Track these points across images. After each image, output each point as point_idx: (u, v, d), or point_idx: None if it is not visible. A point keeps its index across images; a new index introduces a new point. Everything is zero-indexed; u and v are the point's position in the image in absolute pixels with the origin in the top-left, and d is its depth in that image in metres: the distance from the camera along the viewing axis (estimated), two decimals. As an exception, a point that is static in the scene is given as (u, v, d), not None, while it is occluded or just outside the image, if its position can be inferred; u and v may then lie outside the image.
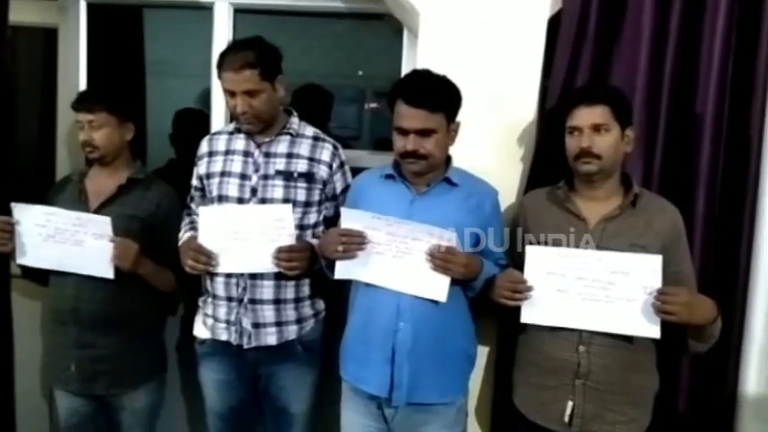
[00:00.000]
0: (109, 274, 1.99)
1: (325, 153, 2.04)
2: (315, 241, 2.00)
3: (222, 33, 2.56)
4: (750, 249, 1.97)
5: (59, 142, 2.68)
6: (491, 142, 2.12)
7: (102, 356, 2.08)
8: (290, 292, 2.01)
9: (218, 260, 1.94)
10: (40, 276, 2.15)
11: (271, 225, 1.89)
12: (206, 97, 2.64)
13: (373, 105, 2.81)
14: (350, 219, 1.81)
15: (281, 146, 2.03)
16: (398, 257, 1.77)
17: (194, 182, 2.15)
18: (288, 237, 1.90)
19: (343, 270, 1.83)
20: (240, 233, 1.91)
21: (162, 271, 2.09)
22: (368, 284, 1.83)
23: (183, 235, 2.07)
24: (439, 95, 1.77)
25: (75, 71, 2.66)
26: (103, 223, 1.97)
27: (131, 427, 2.19)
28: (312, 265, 1.97)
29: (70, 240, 2.00)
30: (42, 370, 2.58)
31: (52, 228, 2.00)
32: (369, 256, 1.80)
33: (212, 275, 2.01)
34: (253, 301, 1.98)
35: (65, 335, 2.08)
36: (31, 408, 2.61)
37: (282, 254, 1.89)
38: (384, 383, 1.81)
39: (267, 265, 1.92)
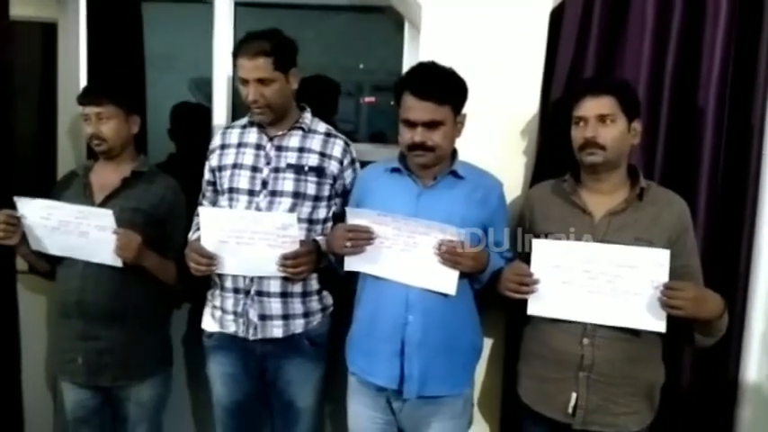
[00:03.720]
0: (117, 262, 2.00)
1: (337, 149, 2.05)
2: (321, 238, 2.01)
3: (222, 27, 2.55)
4: (751, 241, 2.00)
5: (60, 137, 2.67)
6: (495, 135, 2.13)
7: (108, 349, 2.08)
8: (297, 286, 2.01)
9: (220, 262, 1.94)
10: (47, 271, 2.18)
11: (274, 233, 1.88)
12: (207, 92, 2.64)
13: (369, 99, 2.81)
14: (356, 217, 1.82)
15: (293, 140, 2.04)
16: (407, 251, 1.78)
17: (207, 176, 2.15)
18: (292, 245, 1.89)
19: (352, 264, 1.84)
20: (242, 238, 1.90)
21: (166, 263, 2.10)
22: (376, 277, 1.84)
23: (192, 235, 2.08)
24: (446, 88, 1.77)
25: (75, 65, 2.65)
26: (106, 216, 1.97)
27: (137, 420, 2.20)
28: (318, 263, 1.98)
29: (75, 232, 2.01)
30: (48, 362, 2.59)
31: (56, 220, 2.01)
32: (377, 251, 1.80)
33: None
34: (260, 293, 1.99)
35: (71, 327, 2.09)
36: (37, 401, 2.61)
37: (288, 261, 1.89)
38: (393, 376, 1.82)
39: (271, 270, 1.92)
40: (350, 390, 1.99)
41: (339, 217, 2.07)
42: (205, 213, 1.94)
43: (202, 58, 2.62)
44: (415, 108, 1.75)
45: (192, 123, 2.75)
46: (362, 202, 1.91)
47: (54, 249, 2.07)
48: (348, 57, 2.76)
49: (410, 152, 1.81)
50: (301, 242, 1.91)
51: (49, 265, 2.17)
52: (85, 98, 2.10)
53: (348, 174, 2.07)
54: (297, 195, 1.99)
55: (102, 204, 2.07)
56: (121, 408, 2.20)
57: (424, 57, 2.00)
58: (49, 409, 2.66)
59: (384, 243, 1.80)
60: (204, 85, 2.65)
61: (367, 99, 2.78)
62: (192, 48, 2.72)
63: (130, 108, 2.16)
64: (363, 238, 1.79)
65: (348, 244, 1.79)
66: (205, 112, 2.65)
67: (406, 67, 2.49)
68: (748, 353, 2.01)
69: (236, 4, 2.59)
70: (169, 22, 2.77)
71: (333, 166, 2.03)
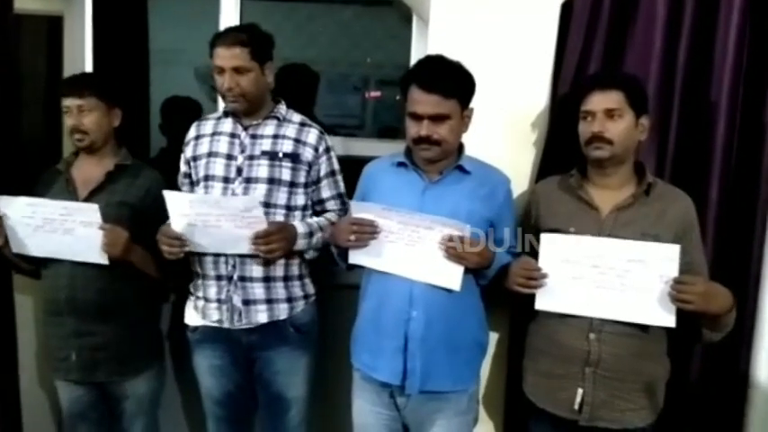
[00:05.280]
0: (103, 259, 1.98)
1: (311, 136, 2.06)
2: (297, 222, 2.00)
3: (229, 21, 2.54)
4: (763, 238, 1.97)
5: (65, 131, 2.65)
6: (503, 130, 2.12)
7: (102, 344, 2.07)
8: (279, 270, 2.03)
9: (192, 243, 1.93)
10: (31, 270, 2.16)
11: (239, 215, 1.88)
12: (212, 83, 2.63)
13: (375, 94, 2.80)
14: (360, 211, 1.81)
15: (268, 128, 2.05)
16: (411, 245, 1.76)
17: (182, 168, 2.15)
18: (260, 224, 1.89)
19: (356, 257, 1.83)
20: (209, 221, 1.90)
21: (150, 257, 2.06)
22: (380, 272, 1.83)
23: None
24: (453, 81, 1.76)
25: (81, 59, 2.65)
26: (91, 211, 1.95)
27: (134, 415, 2.19)
28: (293, 244, 1.97)
29: (60, 230, 1.98)
30: (42, 361, 2.55)
31: (40, 218, 1.98)
32: (381, 245, 1.79)
33: (200, 257, 2.01)
34: (242, 279, 1.99)
35: (62, 325, 2.07)
36: (30, 401, 2.56)
37: (260, 239, 1.88)
38: (397, 372, 1.81)
39: (244, 248, 1.91)
40: (354, 385, 1.98)
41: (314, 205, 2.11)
42: (170, 197, 1.93)
43: (208, 53, 2.61)
44: (422, 101, 1.74)
45: (183, 118, 2.74)
46: (368, 196, 1.90)
47: (37, 251, 2.03)
48: (355, 51, 2.75)
49: (416, 146, 1.79)
50: (270, 222, 1.91)
51: (32, 265, 2.13)
52: (67, 90, 2.07)
53: (323, 160, 2.08)
54: (272, 181, 1.99)
55: (87, 200, 2.04)
56: (118, 404, 2.18)
57: (433, 51, 1.99)
58: (43, 408, 2.64)
59: (388, 237, 1.78)
60: (209, 77, 2.65)
61: (372, 93, 2.77)
62: (198, 42, 2.71)
63: (113, 100, 2.13)
64: (367, 232, 1.77)
65: (352, 237, 1.78)
66: (196, 106, 2.64)
67: (413, 62, 2.48)
68: (759, 350, 1.98)
69: (243, -2, 2.59)
70: (175, 17, 2.77)
71: (307, 153, 2.04)
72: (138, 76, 2.67)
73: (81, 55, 2.65)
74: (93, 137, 2.08)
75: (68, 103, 2.06)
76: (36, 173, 2.20)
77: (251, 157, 2.01)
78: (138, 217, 2.08)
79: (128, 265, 2.02)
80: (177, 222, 1.92)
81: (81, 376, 2.11)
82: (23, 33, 2.49)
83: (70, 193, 2.07)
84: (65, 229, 1.97)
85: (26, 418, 2.48)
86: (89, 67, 2.65)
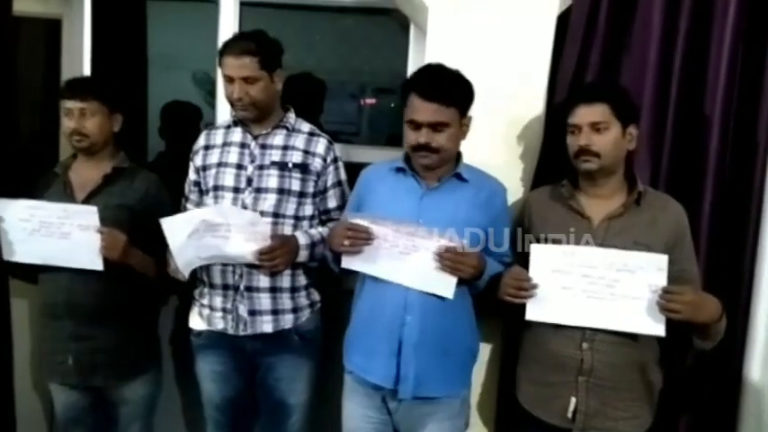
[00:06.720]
0: (98, 265, 1.96)
1: (320, 146, 2.07)
2: (299, 233, 2.01)
3: (228, 27, 2.55)
4: (755, 247, 1.98)
5: (63, 133, 2.65)
6: (498, 138, 2.12)
7: (100, 348, 2.06)
8: (285, 281, 2.03)
9: (196, 260, 1.96)
10: (28, 274, 2.14)
11: (244, 227, 1.89)
12: (209, 89, 2.64)
13: (370, 101, 2.81)
14: (356, 217, 1.81)
15: (278, 138, 2.05)
16: (406, 254, 1.77)
17: (192, 176, 2.14)
18: (263, 241, 1.90)
19: (350, 262, 1.83)
20: (216, 232, 1.91)
21: (150, 260, 2.06)
22: (375, 277, 1.83)
23: None
24: (452, 90, 1.76)
25: (80, 63, 2.65)
26: (90, 213, 1.94)
27: (130, 420, 2.19)
28: (295, 258, 1.98)
29: (56, 233, 1.96)
30: (36, 365, 2.54)
31: (37, 222, 1.97)
32: (376, 251, 1.79)
33: (208, 265, 2.01)
34: (249, 289, 2.00)
35: (60, 328, 2.06)
36: (24, 405, 2.56)
37: (264, 255, 1.90)
38: (390, 375, 1.81)
39: (248, 257, 1.92)
40: (345, 388, 1.98)
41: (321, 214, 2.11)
42: (166, 224, 1.92)
43: (207, 58, 2.62)
44: (421, 109, 1.75)
45: (183, 123, 2.75)
46: (365, 202, 1.90)
47: (29, 257, 2.01)
48: (353, 58, 2.76)
49: (414, 153, 1.80)
50: (273, 236, 1.92)
51: (29, 271, 2.11)
52: (69, 92, 2.07)
53: (330, 170, 2.09)
54: (281, 192, 2.00)
55: (85, 202, 2.03)
56: (114, 408, 2.18)
57: (430, 59, 2.00)
58: (37, 412, 2.64)
59: (383, 244, 1.78)
60: (206, 83, 2.66)
61: (367, 101, 2.78)
62: (197, 47, 2.73)
63: (114, 105, 2.13)
64: (362, 238, 1.78)
65: (346, 242, 1.78)
66: (196, 111, 2.65)
67: (410, 70, 2.50)
68: (751, 359, 1.99)
69: (242, 4, 2.59)
70: (174, 22, 2.78)
71: (316, 163, 2.05)
72: (136, 80, 2.67)
73: (79, 58, 2.65)
74: (93, 140, 2.08)
75: (70, 105, 2.06)
76: (33, 176, 2.20)
77: (261, 167, 2.01)
78: (136, 219, 2.08)
79: (126, 268, 2.02)
80: (176, 244, 1.92)
81: (78, 380, 2.09)
82: (22, 36, 2.49)
83: (68, 197, 2.06)
84: (61, 233, 1.96)
85: (19, 423, 2.47)
86: (87, 71, 2.66)
